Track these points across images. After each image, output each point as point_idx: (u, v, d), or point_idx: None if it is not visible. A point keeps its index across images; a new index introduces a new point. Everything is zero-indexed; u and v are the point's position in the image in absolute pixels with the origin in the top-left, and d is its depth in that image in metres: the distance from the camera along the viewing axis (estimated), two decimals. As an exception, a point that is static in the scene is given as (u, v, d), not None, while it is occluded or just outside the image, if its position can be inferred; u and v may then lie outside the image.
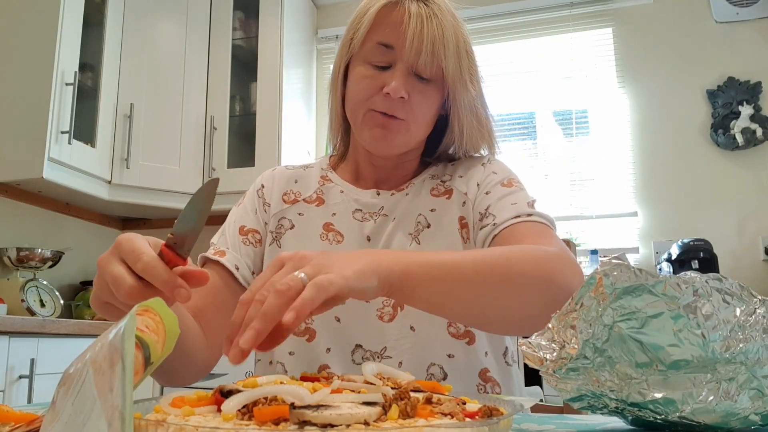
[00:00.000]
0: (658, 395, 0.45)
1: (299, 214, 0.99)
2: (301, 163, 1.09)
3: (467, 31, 0.92)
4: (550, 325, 0.51)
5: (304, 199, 1.00)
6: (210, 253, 0.96)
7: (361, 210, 0.96)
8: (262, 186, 1.03)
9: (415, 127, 0.90)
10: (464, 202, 0.94)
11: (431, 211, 0.94)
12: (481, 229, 0.88)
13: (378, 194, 0.97)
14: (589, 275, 0.48)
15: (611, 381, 0.47)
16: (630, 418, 0.51)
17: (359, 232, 0.94)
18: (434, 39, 0.85)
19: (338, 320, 0.89)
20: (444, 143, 0.98)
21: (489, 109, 0.96)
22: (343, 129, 1.00)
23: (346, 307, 0.87)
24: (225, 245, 0.97)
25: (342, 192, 0.99)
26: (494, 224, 0.85)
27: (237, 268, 0.94)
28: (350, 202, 0.97)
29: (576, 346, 0.47)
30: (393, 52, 0.87)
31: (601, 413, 0.52)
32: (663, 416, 0.46)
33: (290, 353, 0.90)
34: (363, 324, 0.88)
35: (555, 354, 0.49)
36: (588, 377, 0.48)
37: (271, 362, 0.94)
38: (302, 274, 0.54)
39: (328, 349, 0.88)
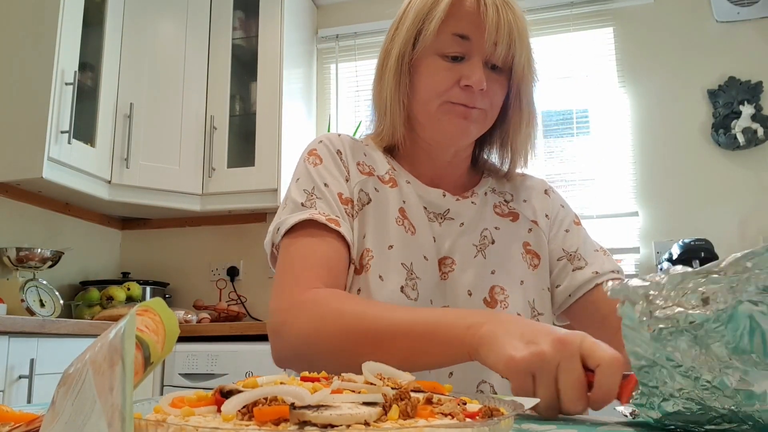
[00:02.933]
0: (745, 387, 0.43)
1: (375, 189, 0.92)
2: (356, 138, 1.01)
3: None
4: (660, 278, 0.48)
5: (378, 176, 0.93)
6: (322, 218, 0.84)
7: (426, 208, 0.93)
8: (339, 151, 0.93)
9: (491, 115, 0.90)
10: (531, 229, 0.96)
11: (496, 228, 0.94)
12: (574, 270, 0.94)
13: (444, 196, 0.94)
14: (766, 245, 0.44)
15: (703, 357, 0.45)
16: (674, 409, 0.49)
17: (428, 230, 0.91)
18: (510, 28, 0.84)
19: None
20: (498, 134, 0.96)
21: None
22: (405, 122, 0.94)
23: (418, 304, 0.85)
24: (334, 213, 0.86)
25: (408, 183, 0.94)
26: (596, 272, 0.93)
27: (353, 245, 0.87)
28: (417, 196, 0.93)
29: (707, 313, 0.44)
30: (469, 42, 0.85)
31: (643, 392, 0.50)
32: (736, 408, 0.45)
33: None
34: None
35: (664, 312, 0.46)
36: (680, 347, 0.45)
37: None
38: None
39: None
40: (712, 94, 2.89)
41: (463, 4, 0.86)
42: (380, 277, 0.85)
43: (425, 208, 0.93)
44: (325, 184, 0.88)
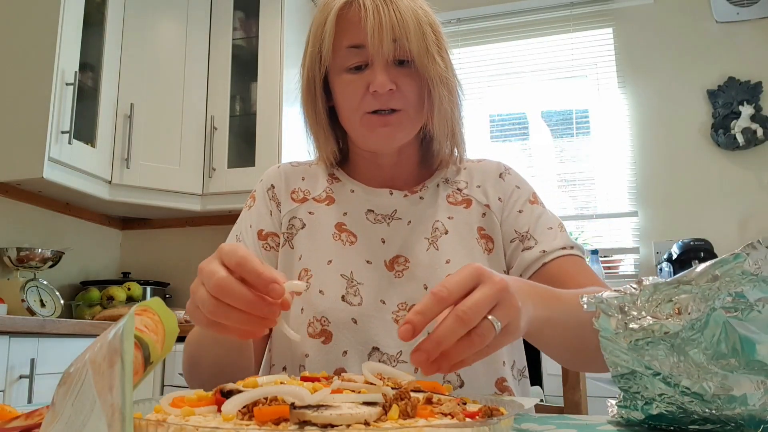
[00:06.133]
0: (725, 392, 0.44)
1: (309, 212, 0.97)
2: (306, 160, 1.07)
3: (428, 6, 0.91)
4: (634, 289, 0.49)
5: (313, 198, 0.99)
6: None
7: (373, 211, 0.95)
8: (272, 186, 1.01)
9: (414, 111, 0.90)
10: (484, 214, 0.95)
11: (449, 218, 0.95)
12: (523, 251, 0.92)
13: (391, 194, 0.96)
14: (734, 254, 0.45)
15: (682, 364, 0.45)
16: (657, 412, 0.49)
17: (373, 233, 0.93)
18: (393, 24, 0.85)
19: (355, 322, 0.87)
20: (425, 123, 0.95)
21: (459, 83, 0.95)
22: (338, 137, 0.99)
23: (363, 308, 0.87)
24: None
25: (353, 191, 0.98)
26: (543, 251, 0.90)
27: None
28: (362, 201, 0.96)
29: (681, 323, 0.45)
30: (364, 50, 0.87)
31: (626, 396, 0.51)
32: (716, 412, 0.45)
33: (306, 355, 0.88)
34: (380, 327, 0.87)
35: (638, 324, 0.47)
36: (658, 355, 0.46)
37: (284, 368, 0.93)
38: (498, 324, 0.54)
39: (345, 352, 0.86)
40: (712, 95, 2.89)
41: (347, 16, 0.87)
42: (321, 291, 0.89)
43: (372, 211, 0.95)
44: (250, 225, 0.98)
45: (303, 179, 1.02)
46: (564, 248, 0.90)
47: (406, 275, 0.90)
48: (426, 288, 0.88)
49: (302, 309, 0.89)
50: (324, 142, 0.97)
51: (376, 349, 0.86)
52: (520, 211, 0.95)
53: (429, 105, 0.91)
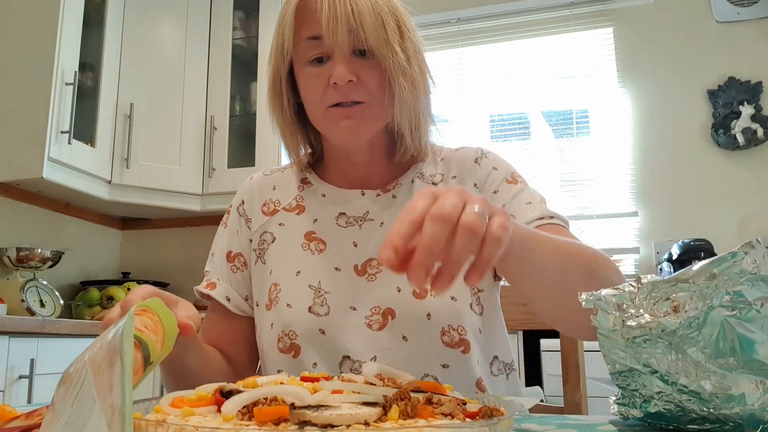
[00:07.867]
0: (723, 391, 0.44)
1: (280, 224, 0.96)
2: (281, 165, 1.04)
3: None
4: (632, 287, 0.49)
5: (283, 208, 0.97)
6: (202, 287, 0.97)
7: (345, 214, 0.93)
8: (242, 202, 1.01)
9: (379, 103, 0.87)
10: None
11: None
12: None
13: (363, 194, 0.94)
14: (731, 252, 0.45)
15: (680, 362, 0.45)
16: (655, 410, 0.49)
17: (344, 238, 0.91)
18: (348, 15, 0.82)
19: (323, 332, 0.85)
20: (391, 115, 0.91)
21: (429, 73, 0.92)
22: (308, 135, 0.97)
23: (331, 317, 0.85)
24: (216, 275, 0.98)
25: (324, 196, 0.95)
26: None
27: (228, 299, 0.95)
28: (332, 206, 0.94)
29: (678, 321, 0.45)
30: (323, 41, 0.85)
31: (624, 394, 0.51)
32: (714, 411, 0.45)
33: (278, 371, 0.87)
34: (350, 334, 0.85)
35: (636, 321, 0.47)
36: (656, 353, 0.46)
37: None
38: (485, 213, 0.50)
39: (315, 364, 0.85)
40: (712, 95, 2.89)
41: (306, 7, 0.85)
42: (288, 305, 0.88)
43: (344, 214, 0.93)
44: (221, 247, 0.99)
45: (274, 189, 1.00)
46: (542, 218, 0.86)
47: (379, 278, 0.88)
48: (399, 291, 0.86)
49: (272, 324, 0.88)
50: (292, 140, 0.94)
51: (347, 357, 0.84)
52: (495, 192, 0.92)
53: (390, 97, 0.87)
